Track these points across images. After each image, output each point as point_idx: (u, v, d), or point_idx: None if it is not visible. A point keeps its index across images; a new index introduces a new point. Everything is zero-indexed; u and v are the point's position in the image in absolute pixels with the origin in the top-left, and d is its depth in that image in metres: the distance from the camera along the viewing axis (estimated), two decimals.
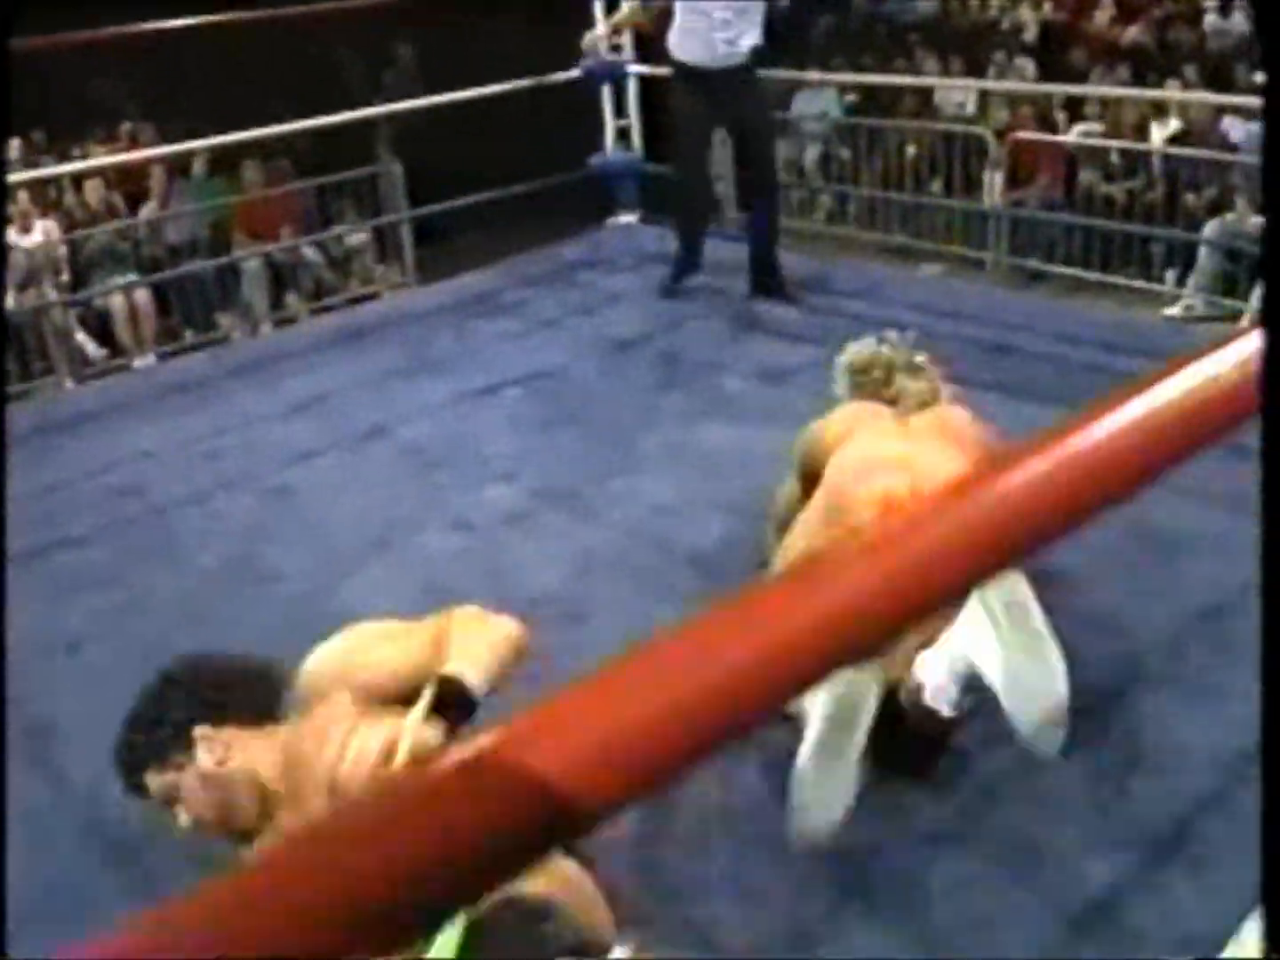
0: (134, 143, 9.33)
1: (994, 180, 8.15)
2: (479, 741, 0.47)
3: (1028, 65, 9.74)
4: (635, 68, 6.03)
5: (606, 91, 6.09)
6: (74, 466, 4.22)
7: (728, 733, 0.51)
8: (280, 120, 6.80)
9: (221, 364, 5.24)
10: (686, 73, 4.85)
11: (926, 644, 2.39)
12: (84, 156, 8.94)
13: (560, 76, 5.90)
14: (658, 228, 6.12)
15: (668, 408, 4.19)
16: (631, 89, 6.09)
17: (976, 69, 9.84)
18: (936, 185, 8.62)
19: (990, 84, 9.02)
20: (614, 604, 3.08)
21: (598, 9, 5.90)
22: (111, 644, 3.18)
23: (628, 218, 6.19)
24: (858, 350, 3.05)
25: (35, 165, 9.11)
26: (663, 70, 6.22)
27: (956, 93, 9.43)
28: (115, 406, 4.76)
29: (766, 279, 5.08)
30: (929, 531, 0.57)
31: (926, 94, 9.49)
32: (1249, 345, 0.64)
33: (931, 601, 0.57)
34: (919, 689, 2.36)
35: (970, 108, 9.34)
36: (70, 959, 0.39)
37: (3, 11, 2.80)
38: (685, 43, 4.84)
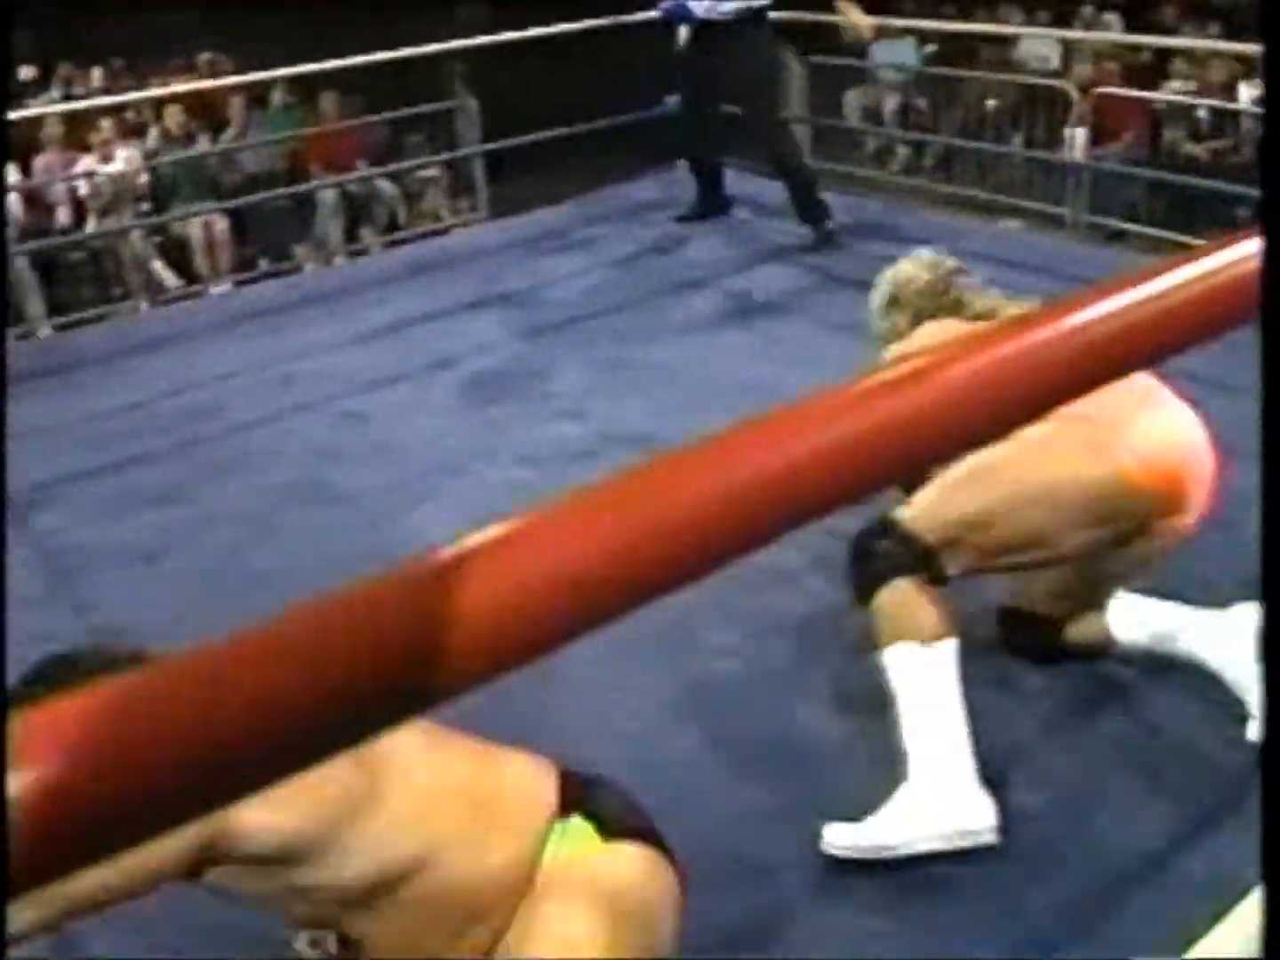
0: (213, 73, 9.44)
1: (1075, 136, 8.06)
2: (432, 559, 0.49)
3: (1115, 20, 9.59)
4: None
5: (683, 32, 6.06)
6: (151, 387, 4.34)
7: (681, 574, 0.55)
8: (356, 54, 6.87)
9: (296, 292, 5.33)
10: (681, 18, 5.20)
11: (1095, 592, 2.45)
12: (164, 86, 9.03)
13: (638, 17, 5.90)
14: (731, 168, 6.13)
15: (739, 349, 4.23)
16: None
17: (1062, 23, 9.70)
18: (1017, 139, 8.54)
19: (1073, 34, 8.88)
20: None
21: None
22: (186, 556, 3.29)
23: None
24: (907, 271, 2.69)
25: (116, 93, 9.27)
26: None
27: (1040, 46, 9.30)
28: (192, 330, 4.87)
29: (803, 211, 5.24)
30: (929, 382, 0.62)
31: (1008, 46, 9.37)
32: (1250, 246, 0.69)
33: (921, 454, 0.62)
34: (1109, 641, 2.46)
35: (1054, 62, 9.22)
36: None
37: None
38: None
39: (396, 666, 0.48)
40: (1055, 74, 8.89)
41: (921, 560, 2.17)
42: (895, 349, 2.50)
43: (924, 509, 2.22)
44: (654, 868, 1.62)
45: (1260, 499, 0.88)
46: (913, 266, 2.69)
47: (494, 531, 0.52)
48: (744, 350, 4.21)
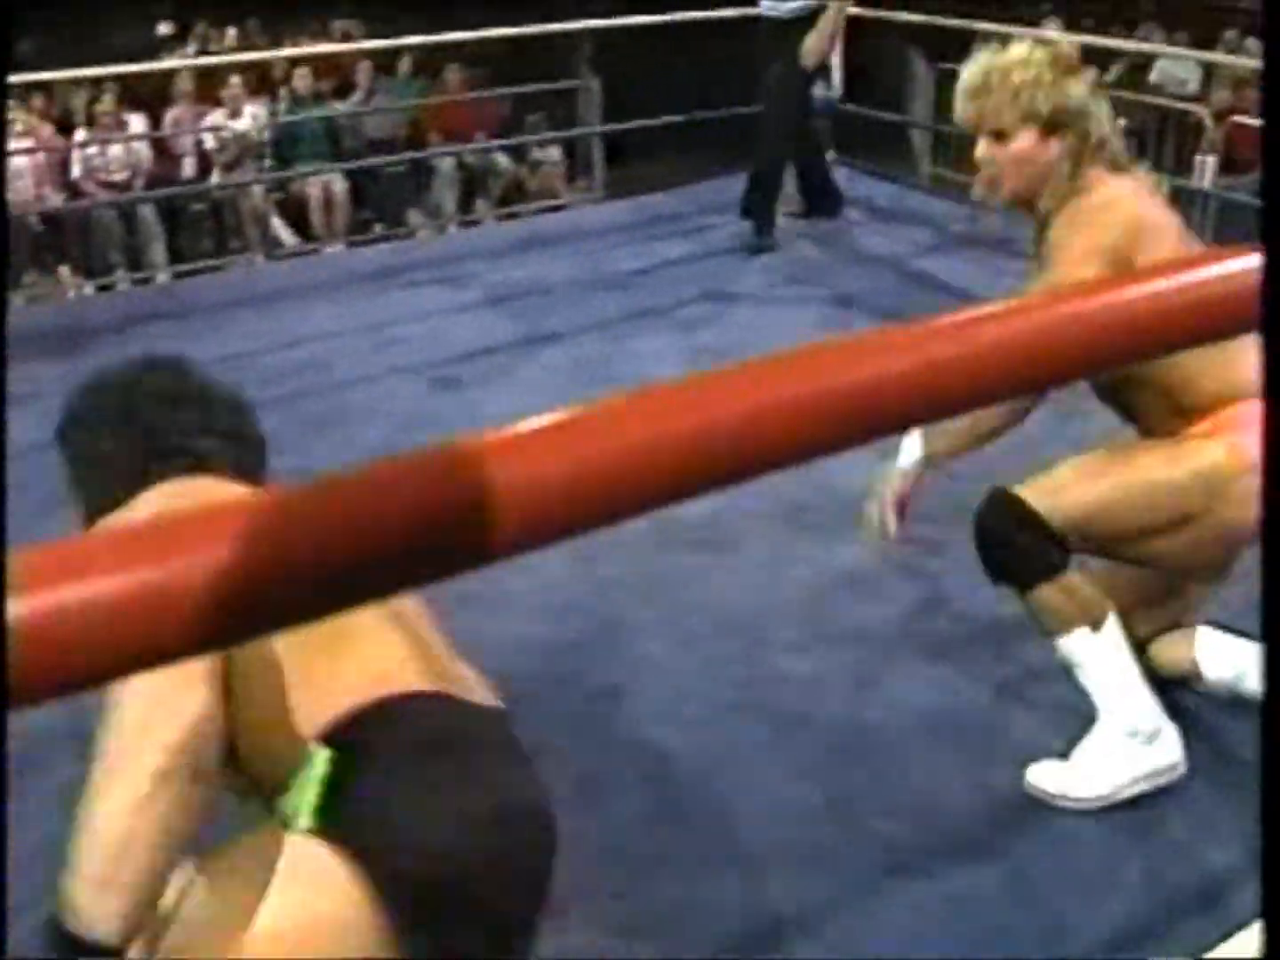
0: (344, 39, 9.63)
1: (1206, 163, 7.92)
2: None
3: (1258, 47, 9.40)
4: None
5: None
6: (260, 339, 4.46)
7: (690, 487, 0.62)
8: (484, 27, 6.98)
9: (408, 256, 5.45)
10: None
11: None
12: (295, 48, 9.25)
13: (768, 12, 5.91)
14: (848, 167, 6.13)
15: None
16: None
17: (1204, 46, 9.52)
18: (1146, 162, 8.42)
19: (1208, 55, 8.70)
20: (761, 536, 3.17)
21: None
22: None
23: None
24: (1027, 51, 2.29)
25: (249, 52, 9.49)
26: (869, 11, 6.22)
27: (1178, 68, 9.14)
28: (303, 287, 4.99)
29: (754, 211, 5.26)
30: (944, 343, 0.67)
31: (1144, 65, 9.22)
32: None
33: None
34: (1195, 674, 2.49)
35: (1192, 85, 9.06)
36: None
37: None
38: None
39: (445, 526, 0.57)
40: (1193, 98, 8.73)
41: (1061, 550, 2.24)
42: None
43: (1048, 495, 2.24)
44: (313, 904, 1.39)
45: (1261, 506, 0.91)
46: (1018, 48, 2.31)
47: (530, 423, 0.61)
48: None
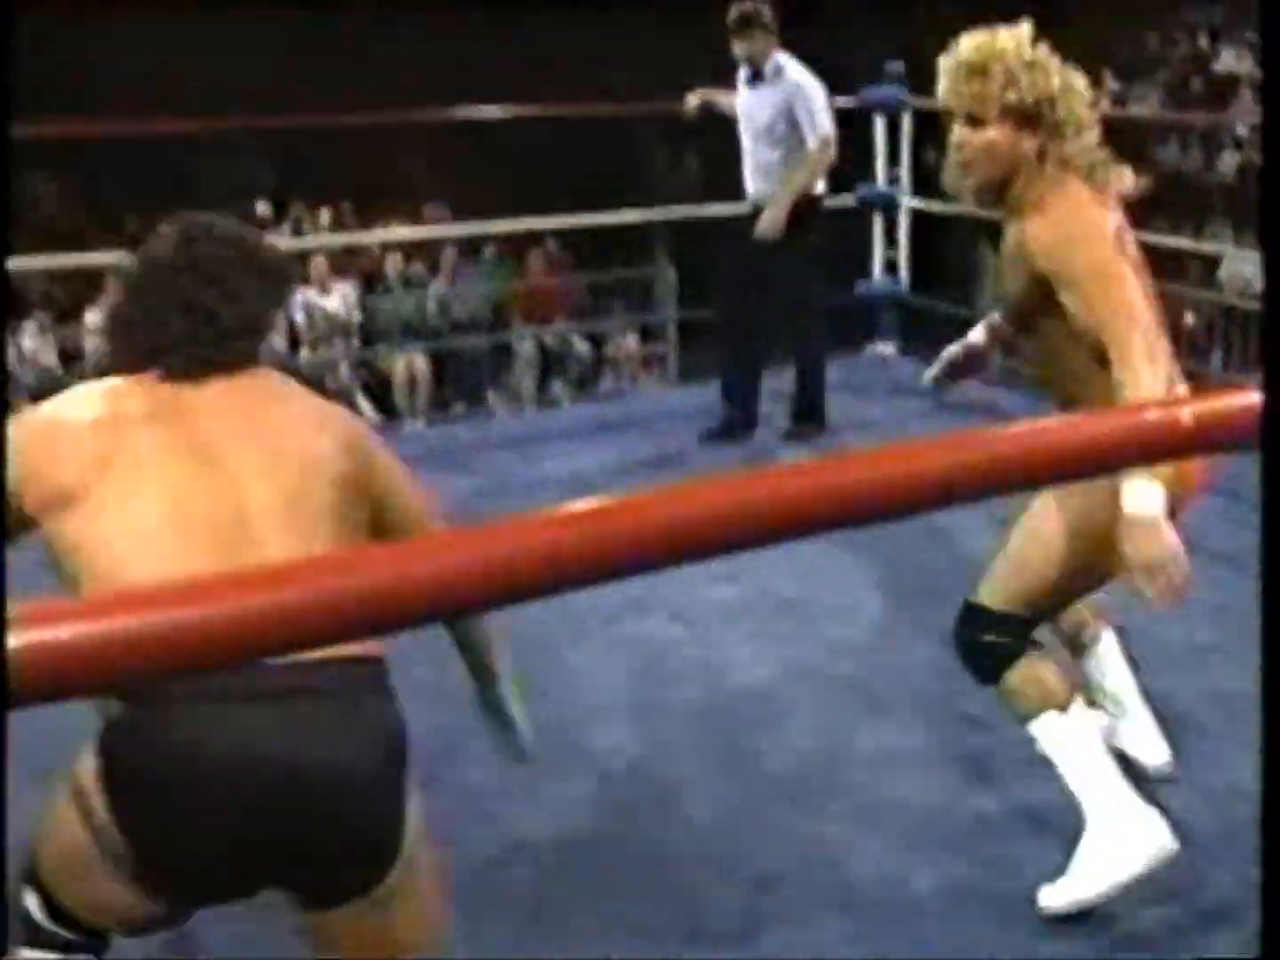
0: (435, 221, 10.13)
1: None
2: None
3: None
4: (909, 200, 6.31)
5: (878, 220, 6.38)
6: None
7: None
8: (569, 211, 7.34)
9: (488, 434, 5.71)
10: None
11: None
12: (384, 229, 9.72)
13: (835, 202, 6.23)
14: (915, 360, 6.34)
15: (888, 533, 4.36)
16: (903, 220, 6.36)
17: None
18: (1216, 359, 8.56)
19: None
20: (813, 710, 3.31)
21: (879, 139, 6.23)
22: None
23: (886, 348, 6.43)
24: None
25: (341, 232, 10.02)
26: (936, 206, 6.50)
27: (1247, 266, 9.35)
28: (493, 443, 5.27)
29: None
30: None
31: (1214, 262, 9.45)
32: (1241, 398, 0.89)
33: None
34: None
35: (1258, 285, 9.25)
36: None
37: None
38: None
39: None
40: (1257, 296, 8.92)
41: (1023, 635, 2.49)
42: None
43: (1002, 590, 2.50)
44: None
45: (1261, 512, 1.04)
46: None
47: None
48: (891, 535, 4.34)
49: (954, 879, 2.68)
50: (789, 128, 4.98)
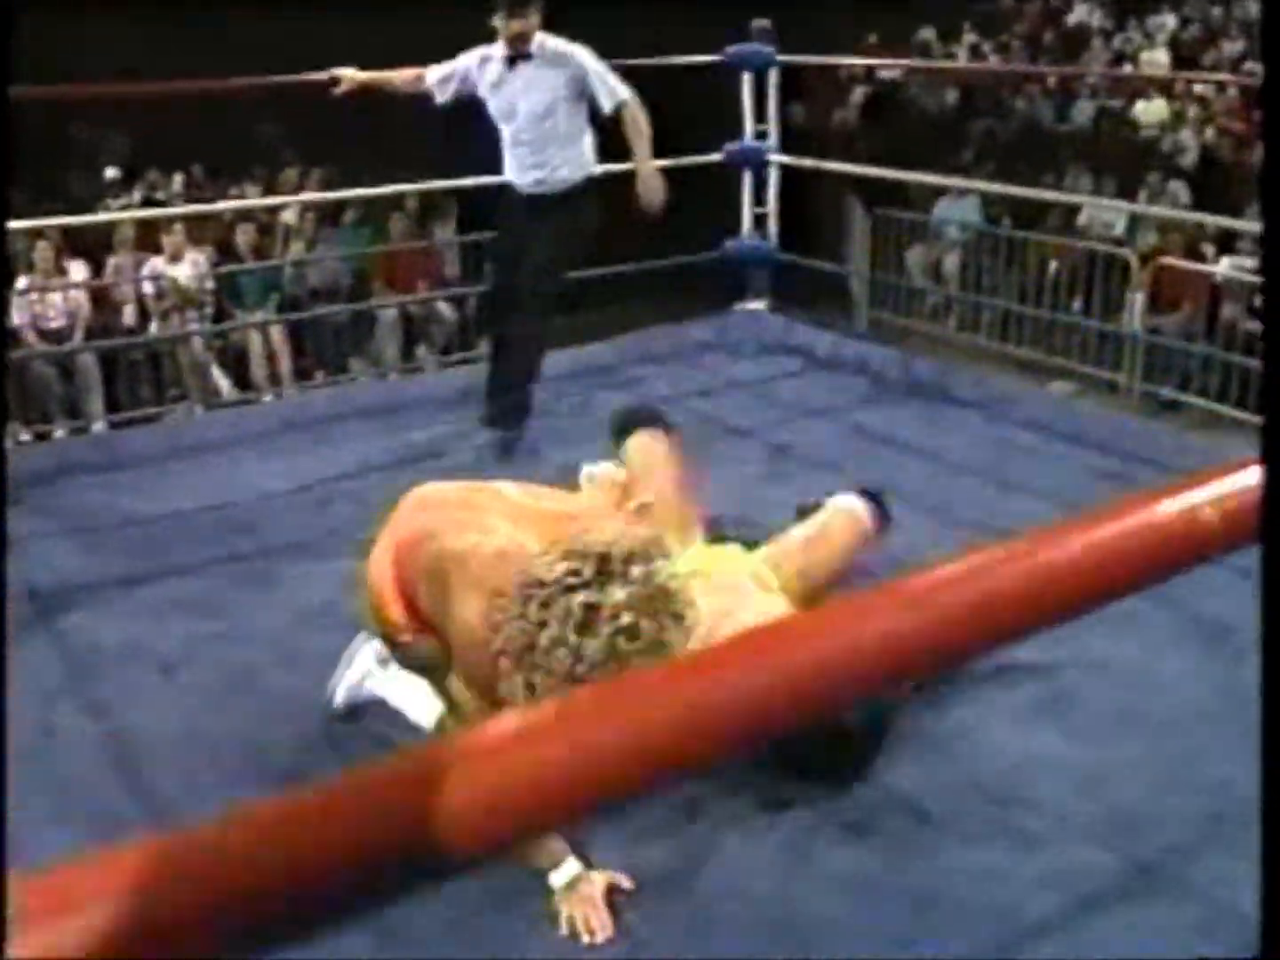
0: (300, 187, 9.73)
1: (1135, 304, 8.12)
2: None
3: (1181, 191, 9.70)
4: (778, 157, 6.15)
5: (747, 177, 6.22)
6: (193, 495, 4.40)
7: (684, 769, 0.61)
8: (433, 177, 7.07)
9: (346, 405, 5.42)
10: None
11: None
12: (241, 195, 9.33)
13: (701, 159, 6.04)
14: (785, 317, 6.21)
15: (770, 500, 4.23)
16: (773, 178, 6.21)
17: (1130, 189, 9.83)
18: (1076, 303, 8.61)
19: (1131, 206, 8.97)
20: None
21: (746, 96, 6.05)
22: (204, 670, 3.31)
23: (756, 304, 6.29)
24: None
25: (195, 199, 9.59)
26: (805, 161, 6.34)
27: (1105, 212, 9.41)
28: (240, 438, 4.95)
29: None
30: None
31: (1073, 210, 9.49)
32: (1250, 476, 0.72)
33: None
34: None
35: (1119, 228, 9.32)
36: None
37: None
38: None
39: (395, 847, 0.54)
40: (1118, 241, 8.98)
41: None
42: None
43: None
44: None
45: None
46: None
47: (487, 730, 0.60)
48: (777, 502, 4.21)
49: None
50: (573, 106, 4.52)
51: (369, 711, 3.00)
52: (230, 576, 3.84)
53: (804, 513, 3.30)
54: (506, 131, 4.60)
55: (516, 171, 4.65)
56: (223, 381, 8.00)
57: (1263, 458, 0.88)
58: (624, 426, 3.31)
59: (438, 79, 4.66)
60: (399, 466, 4.61)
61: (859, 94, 12.86)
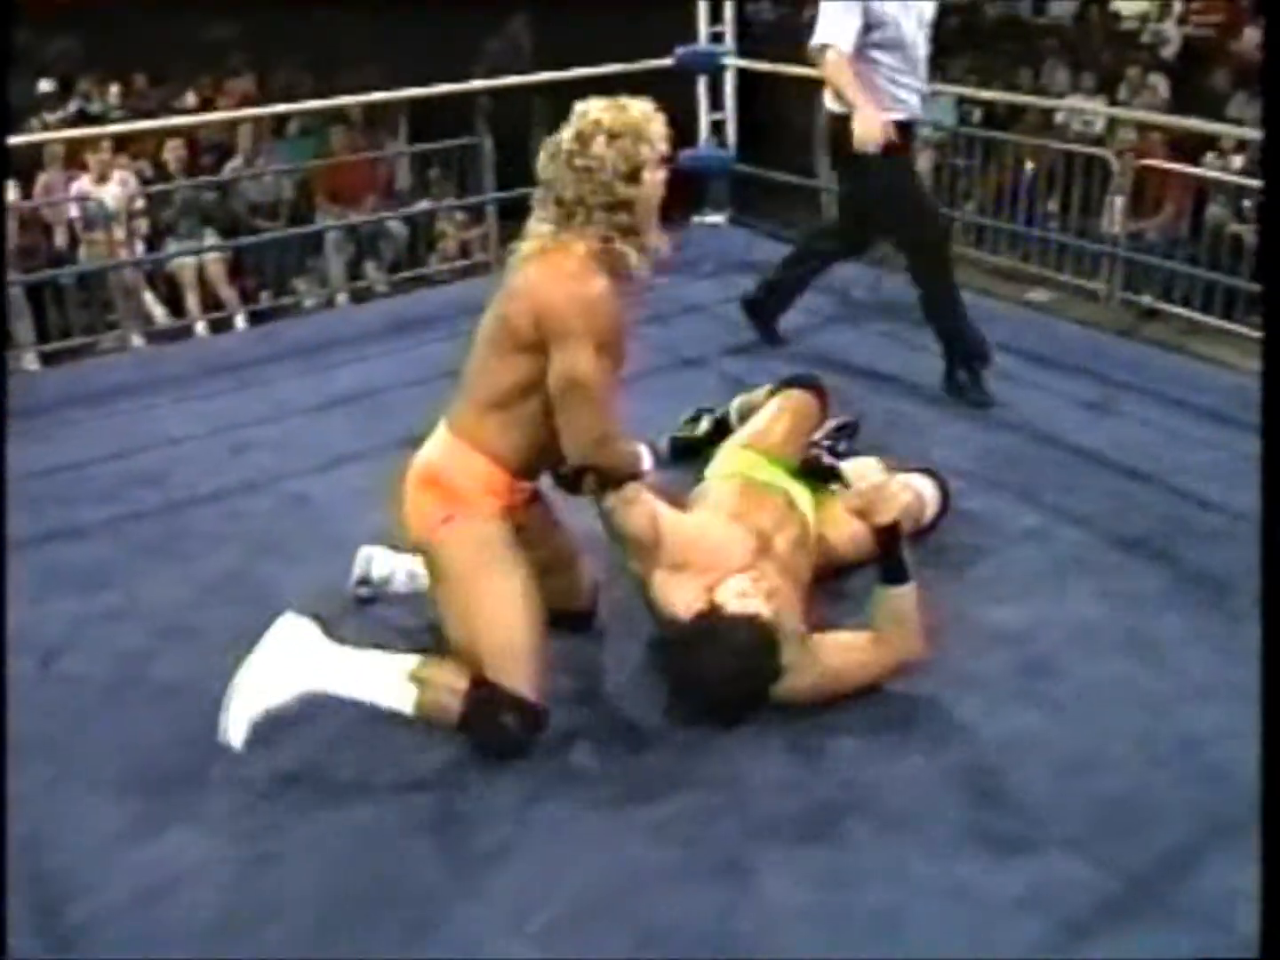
0: (244, 99, 9.16)
1: (1115, 207, 7.67)
2: None
3: (1161, 84, 9.21)
4: (733, 60, 5.68)
5: (702, 83, 5.75)
6: (97, 445, 4.02)
7: None
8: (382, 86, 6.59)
9: (276, 342, 5.02)
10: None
11: None
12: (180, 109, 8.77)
13: (653, 64, 5.56)
14: (746, 230, 5.79)
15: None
16: (729, 82, 5.74)
17: (1110, 82, 9.34)
18: (1053, 205, 8.15)
19: (1110, 110, 8.51)
20: None
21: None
22: (88, 656, 2.95)
23: (715, 217, 5.87)
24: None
25: (134, 110, 9.03)
26: (762, 65, 5.84)
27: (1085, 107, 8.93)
28: (153, 381, 4.54)
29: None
30: None
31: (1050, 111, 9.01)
32: None
33: None
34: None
35: (1098, 125, 8.84)
36: None
37: None
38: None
39: None
40: (1098, 140, 8.50)
41: None
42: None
43: None
44: None
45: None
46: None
47: None
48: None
49: None
50: None
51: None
52: (128, 540, 3.46)
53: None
54: (893, 59, 3.98)
55: (911, 100, 4.08)
56: (156, 308, 7.53)
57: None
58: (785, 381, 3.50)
59: (850, 39, 3.92)
60: (322, 410, 4.23)
61: None
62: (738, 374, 4.30)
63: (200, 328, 7.19)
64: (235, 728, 2.43)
